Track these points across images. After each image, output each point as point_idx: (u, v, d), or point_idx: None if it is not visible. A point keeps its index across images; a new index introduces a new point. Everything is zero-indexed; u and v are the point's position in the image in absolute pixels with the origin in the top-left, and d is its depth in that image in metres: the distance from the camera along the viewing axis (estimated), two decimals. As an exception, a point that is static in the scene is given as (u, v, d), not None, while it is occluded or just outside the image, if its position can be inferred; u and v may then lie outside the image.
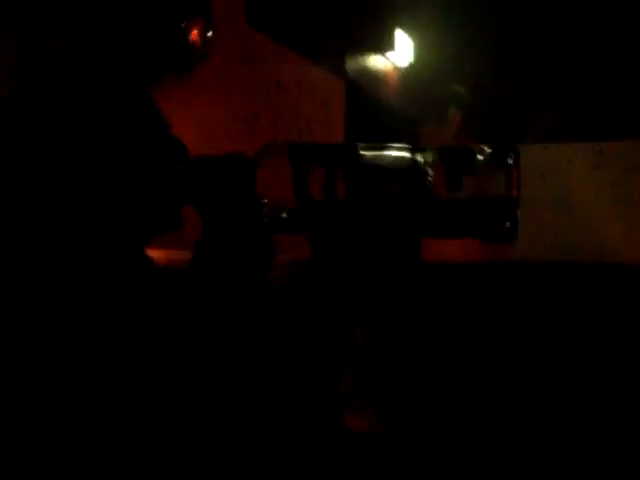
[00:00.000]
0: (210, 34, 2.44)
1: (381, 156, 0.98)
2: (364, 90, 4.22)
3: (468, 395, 2.10)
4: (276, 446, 1.09)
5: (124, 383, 0.96)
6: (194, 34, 2.36)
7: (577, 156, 6.18)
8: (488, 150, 0.92)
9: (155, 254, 1.21)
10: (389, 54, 4.66)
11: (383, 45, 4.59)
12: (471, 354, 2.30)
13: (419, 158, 0.95)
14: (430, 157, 0.94)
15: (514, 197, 0.94)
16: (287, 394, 1.10)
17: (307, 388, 1.12)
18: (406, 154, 0.96)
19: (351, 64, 4.18)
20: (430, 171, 0.93)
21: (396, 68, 4.79)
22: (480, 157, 0.92)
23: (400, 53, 4.73)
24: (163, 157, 1.06)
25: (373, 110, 4.36)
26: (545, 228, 5.77)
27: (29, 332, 0.95)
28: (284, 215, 1.01)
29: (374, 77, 4.51)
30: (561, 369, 2.48)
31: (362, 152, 0.99)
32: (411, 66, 4.88)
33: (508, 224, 0.94)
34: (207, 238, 1.03)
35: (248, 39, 3.19)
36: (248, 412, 1.06)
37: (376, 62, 4.57)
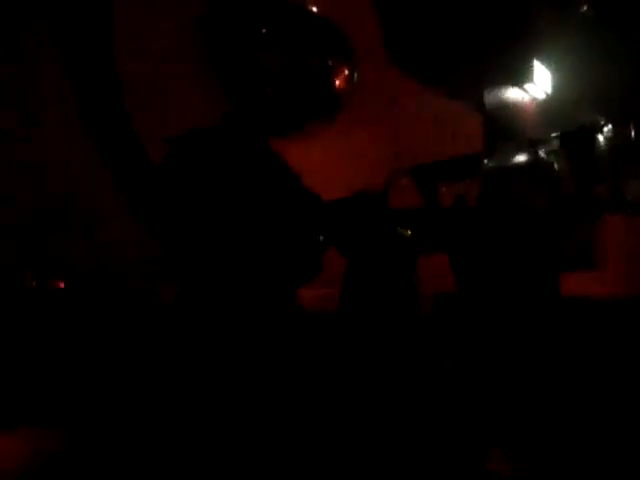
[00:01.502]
0: (355, 77, 2.56)
1: (505, 160, 1.01)
2: (503, 123, 4.22)
3: (614, 440, 2.07)
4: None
5: (281, 427, 1.04)
6: (340, 81, 2.48)
7: None
8: (608, 126, 0.91)
9: (306, 294, 1.29)
10: (527, 86, 4.63)
11: (521, 77, 4.57)
12: (617, 396, 2.26)
13: (541, 152, 0.96)
14: (552, 146, 0.95)
15: None
16: (433, 435, 1.15)
17: (452, 430, 1.17)
18: (528, 151, 0.98)
19: (489, 98, 4.19)
20: (555, 162, 0.94)
21: (534, 99, 4.74)
22: (601, 136, 0.91)
23: (538, 84, 4.68)
24: (298, 209, 1.15)
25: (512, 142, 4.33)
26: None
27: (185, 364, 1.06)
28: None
29: (512, 109, 4.50)
30: None
31: (486, 160, 1.02)
32: (549, 97, 4.82)
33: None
34: (352, 275, 1.11)
35: (388, 77, 3.28)
36: (392, 449, 1.12)
37: (514, 94, 4.55)
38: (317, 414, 1.04)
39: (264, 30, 2.52)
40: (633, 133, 0.94)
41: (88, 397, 1.11)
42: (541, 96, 4.75)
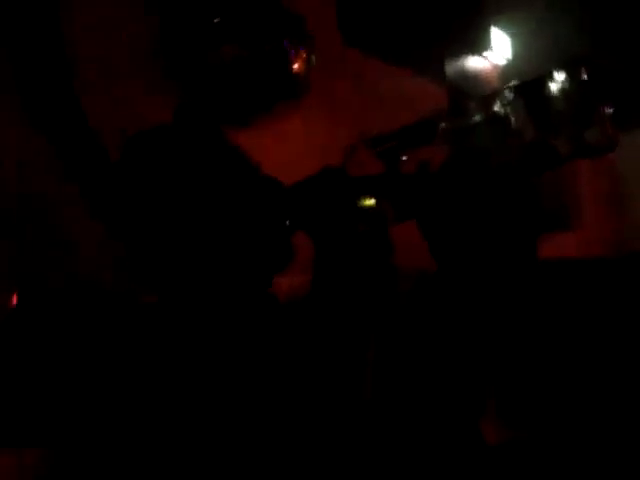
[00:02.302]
0: (313, 61, 2.52)
1: (461, 119, 1.00)
2: (465, 93, 4.21)
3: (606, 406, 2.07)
4: (418, 455, 1.13)
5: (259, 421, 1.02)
6: (299, 65, 2.45)
7: None
8: (559, 72, 0.90)
9: (285, 282, 1.27)
10: (487, 53, 4.63)
11: (480, 45, 4.57)
12: (601, 361, 2.26)
13: (497, 105, 0.95)
14: (506, 98, 0.94)
15: (601, 105, 0.91)
16: (427, 406, 1.14)
17: (446, 399, 1.15)
18: (482, 107, 0.97)
19: (450, 67, 4.19)
20: (511, 114, 0.93)
21: (495, 67, 4.75)
22: (553, 83, 0.90)
23: (497, 51, 4.69)
24: (259, 196, 1.11)
25: (476, 112, 4.33)
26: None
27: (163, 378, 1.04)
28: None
29: (474, 79, 4.50)
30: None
31: (441, 124, 1.01)
32: (509, 63, 4.83)
33: (606, 132, 0.91)
34: (322, 256, 1.08)
35: (349, 58, 3.26)
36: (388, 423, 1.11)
37: (474, 63, 4.55)
38: (298, 409, 1.02)
39: (217, 19, 2.48)
40: (585, 77, 0.93)
41: (73, 411, 1.08)
42: (501, 62, 4.76)
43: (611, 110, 0.94)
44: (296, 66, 2.49)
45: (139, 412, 1.03)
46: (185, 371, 1.05)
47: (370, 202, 1.06)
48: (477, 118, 1.02)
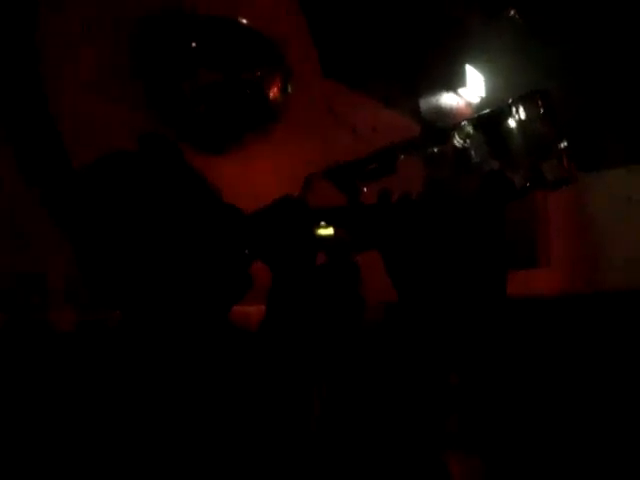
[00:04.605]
0: (289, 90, 2.52)
1: (422, 150, 1.00)
2: (438, 127, 4.25)
3: (571, 438, 2.07)
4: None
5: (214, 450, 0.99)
6: (274, 93, 2.44)
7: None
8: (517, 105, 0.91)
9: (240, 311, 1.26)
10: (461, 90, 4.70)
11: (454, 82, 4.63)
12: (571, 391, 2.27)
13: (456, 138, 0.96)
14: (465, 131, 0.95)
15: (557, 138, 0.91)
16: (388, 437, 1.12)
17: (408, 432, 1.14)
18: (443, 139, 0.98)
19: (424, 104, 4.23)
20: (470, 147, 0.94)
21: (468, 104, 4.81)
22: (512, 118, 0.92)
23: (471, 88, 4.75)
24: (220, 225, 1.10)
25: (448, 147, 4.37)
26: (634, 255, 5.46)
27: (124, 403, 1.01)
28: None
29: (447, 114, 4.55)
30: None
31: (400, 153, 1.01)
32: (483, 100, 4.90)
33: (563, 166, 0.92)
34: (277, 285, 1.07)
35: (323, 88, 3.27)
36: (347, 454, 1.09)
37: (448, 99, 4.61)
38: (247, 437, 1.00)
39: (194, 44, 2.48)
40: (542, 110, 0.93)
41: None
42: (475, 100, 4.82)
43: (567, 143, 0.95)
44: (272, 93, 2.49)
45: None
46: (142, 398, 1.03)
47: (328, 231, 1.05)
48: (437, 150, 1.02)
